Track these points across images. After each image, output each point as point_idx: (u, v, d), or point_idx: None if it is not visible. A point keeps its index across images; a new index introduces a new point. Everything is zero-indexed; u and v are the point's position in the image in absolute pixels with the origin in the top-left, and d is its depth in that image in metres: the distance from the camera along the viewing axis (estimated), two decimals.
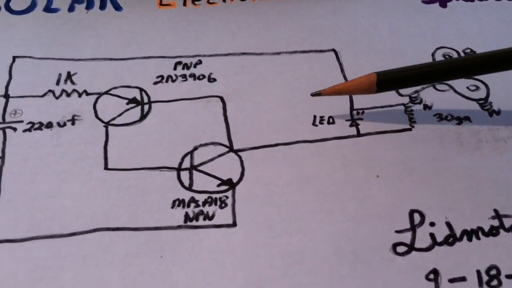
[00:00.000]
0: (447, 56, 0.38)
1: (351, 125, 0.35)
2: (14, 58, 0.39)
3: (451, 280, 0.29)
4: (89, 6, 0.42)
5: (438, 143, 0.34)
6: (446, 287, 0.28)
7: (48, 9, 0.42)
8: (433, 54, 0.38)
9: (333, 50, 0.39)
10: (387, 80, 0.33)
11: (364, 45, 0.39)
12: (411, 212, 0.31)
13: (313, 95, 0.35)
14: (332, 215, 0.31)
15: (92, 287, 0.29)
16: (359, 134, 0.35)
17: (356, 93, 0.34)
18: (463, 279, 0.29)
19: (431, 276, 0.29)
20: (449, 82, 0.36)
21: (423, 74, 0.34)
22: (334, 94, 0.34)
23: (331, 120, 0.35)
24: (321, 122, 0.35)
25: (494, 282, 0.28)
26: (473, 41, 0.39)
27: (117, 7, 0.42)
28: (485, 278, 0.29)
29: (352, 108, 0.36)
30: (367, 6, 0.42)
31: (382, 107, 0.36)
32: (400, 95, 0.36)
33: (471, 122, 0.35)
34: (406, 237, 0.30)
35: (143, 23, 0.41)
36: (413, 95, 0.36)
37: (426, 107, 0.36)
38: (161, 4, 0.42)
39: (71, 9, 0.42)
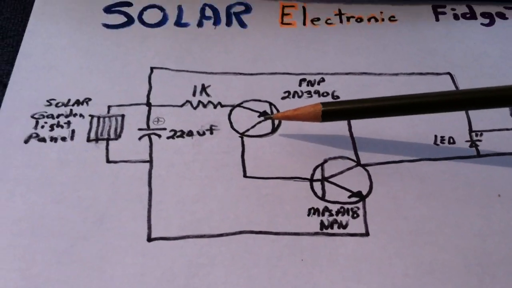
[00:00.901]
0: None
1: (470, 146, 0.38)
2: (152, 69, 0.42)
3: None
4: (216, 22, 0.45)
5: None
6: None
7: (179, 23, 0.45)
8: None
9: (449, 73, 0.42)
10: (331, 111, 0.36)
11: (478, 70, 0.42)
12: None
13: (265, 118, 0.38)
14: (459, 229, 0.34)
15: (241, 285, 0.32)
16: (479, 155, 0.37)
17: (303, 120, 0.37)
18: None
19: None
20: None
21: (365, 109, 0.36)
22: (283, 119, 0.37)
23: (451, 140, 0.38)
24: (442, 142, 0.38)
25: None
26: None
27: (242, 25, 0.45)
28: None
29: (470, 129, 0.38)
30: (477, 32, 0.44)
31: (499, 130, 0.38)
32: None
33: None
34: None
35: (267, 41, 0.44)
36: None
37: None
38: (282, 23, 0.45)
39: (199, 24, 0.45)
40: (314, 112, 0.36)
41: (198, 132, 0.39)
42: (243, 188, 0.36)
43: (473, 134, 0.38)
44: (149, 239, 0.34)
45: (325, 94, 0.41)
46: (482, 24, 0.45)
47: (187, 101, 0.40)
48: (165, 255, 0.33)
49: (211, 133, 0.39)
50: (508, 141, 0.38)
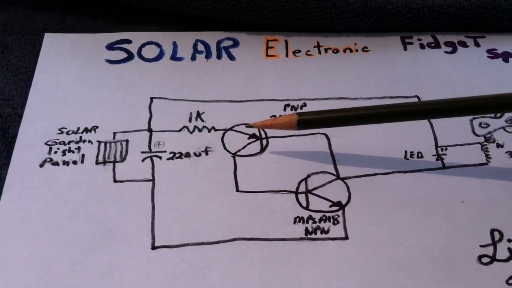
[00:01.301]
0: None
1: (437, 159, 0.43)
2: (152, 98, 0.47)
3: None
4: (208, 56, 0.50)
5: (511, 175, 0.41)
6: None
7: (174, 57, 0.50)
8: None
9: (416, 96, 0.47)
10: (305, 120, 0.41)
11: (441, 92, 0.47)
12: (492, 231, 0.38)
13: (247, 127, 0.43)
14: (427, 231, 0.38)
15: (236, 285, 0.36)
16: (444, 167, 0.42)
17: (281, 129, 0.41)
18: None
19: (510, 281, 0.36)
20: None
21: (336, 118, 0.41)
22: (263, 127, 0.43)
23: (419, 155, 0.43)
24: (411, 156, 0.43)
25: None
26: None
27: (231, 57, 0.50)
28: None
29: (436, 145, 0.43)
30: (440, 59, 0.49)
31: (462, 145, 0.43)
32: (476, 135, 0.44)
33: None
34: (489, 251, 0.37)
35: (254, 71, 0.49)
36: (487, 136, 0.43)
37: (499, 145, 0.43)
38: (267, 55, 0.50)
39: (193, 58, 0.50)
40: (290, 121, 0.40)
41: (195, 154, 0.43)
42: (236, 201, 0.40)
43: (439, 148, 0.43)
44: (153, 247, 0.38)
45: None
46: (445, 52, 0.50)
47: (184, 126, 0.45)
48: (167, 261, 0.37)
49: (207, 154, 0.43)
50: (470, 154, 0.43)
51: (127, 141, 0.44)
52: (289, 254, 0.38)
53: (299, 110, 0.45)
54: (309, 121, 0.41)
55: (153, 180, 0.41)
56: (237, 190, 0.41)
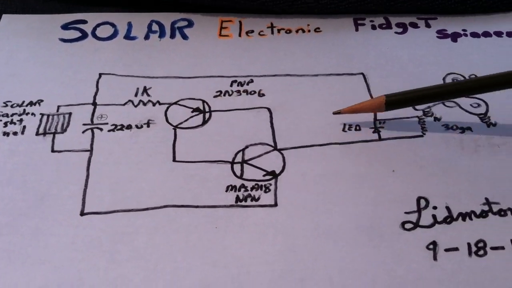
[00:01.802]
0: (455, 80, 0.46)
1: (374, 132, 0.43)
2: (100, 74, 0.48)
3: (446, 250, 0.36)
4: (162, 35, 0.51)
5: (444, 147, 0.41)
6: (442, 255, 0.35)
7: (128, 37, 0.51)
8: (444, 78, 0.46)
9: (362, 73, 0.47)
10: (394, 101, 0.41)
11: (388, 70, 0.47)
12: (419, 198, 0.38)
13: (334, 113, 0.43)
14: (355, 199, 0.38)
15: (161, 249, 0.36)
16: (380, 139, 0.42)
17: (370, 112, 0.42)
18: (456, 249, 0.36)
19: (431, 246, 0.36)
20: (456, 100, 0.44)
21: (421, 96, 0.42)
22: (351, 112, 0.43)
23: (357, 128, 0.43)
24: (349, 129, 0.43)
25: (481, 252, 0.35)
26: (478, 68, 0.47)
27: (184, 37, 0.51)
28: (474, 248, 0.36)
29: (375, 118, 0.44)
30: (390, 39, 0.50)
31: (400, 118, 0.43)
32: (415, 109, 0.44)
33: (472, 132, 0.42)
34: (413, 217, 0.37)
35: (206, 50, 0.50)
36: (426, 110, 0.44)
37: (436, 119, 0.43)
38: (220, 35, 0.51)
39: (146, 37, 0.51)
40: (378, 103, 0.42)
41: (136, 126, 0.44)
42: (171, 170, 0.41)
43: (377, 122, 0.43)
44: (82, 213, 0.38)
45: (252, 92, 0.46)
46: (396, 32, 0.51)
47: (129, 100, 0.46)
48: (94, 227, 0.37)
49: (148, 126, 0.44)
50: (407, 127, 0.43)
51: (70, 114, 0.44)
52: (217, 220, 0.38)
53: (250, 97, 0.46)
54: (397, 101, 0.42)
55: (91, 150, 0.42)
56: (174, 160, 0.41)
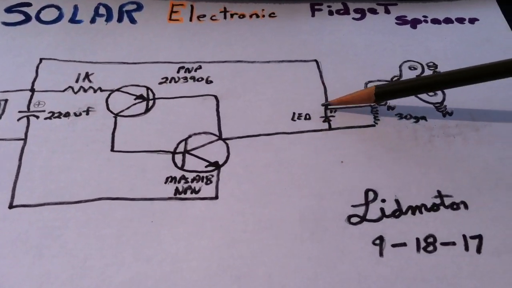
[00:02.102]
0: (412, 68, 0.44)
1: (324, 121, 0.41)
2: (41, 59, 0.45)
3: (394, 245, 0.34)
4: (108, 19, 0.49)
5: (397, 136, 0.39)
6: (388, 250, 0.33)
7: (73, 20, 0.48)
8: (400, 66, 0.44)
9: (315, 60, 0.45)
10: (384, 92, 0.40)
11: (342, 57, 0.45)
12: (367, 191, 0.36)
13: (323, 105, 0.41)
14: (300, 191, 0.36)
15: (91, 245, 0.34)
16: (330, 128, 0.40)
17: (359, 103, 0.40)
18: (404, 244, 0.34)
19: (377, 241, 0.34)
20: None
21: (412, 87, 0.40)
22: (340, 104, 0.41)
23: (307, 117, 0.41)
24: (299, 118, 0.41)
25: (430, 248, 0.33)
26: (437, 56, 0.45)
27: (132, 21, 0.48)
28: (423, 244, 0.34)
29: (326, 107, 0.41)
30: (347, 25, 0.48)
31: (352, 107, 0.41)
32: None
33: (426, 121, 0.40)
34: (360, 211, 0.35)
35: (154, 35, 0.47)
36: None
37: (390, 108, 0.41)
38: (170, 19, 0.49)
39: (92, 21, 0.48)
40: (368, 94, 0.40)
41: (75, 113, 0.41)
42: (109, 160, 0.38)
43: (328, 111, 0.41)
44: (11, 206, 0.36)
45: (199, 79, 0.44)
46: (353, 18, 0.49)
47: (70, 86, 0.43)
48: (23, 220, 0.35)
49: (87, 114, 0.41)
50: (359, 116, 0.41)
51: (6, 100, 0.42)
52: (153, 213, 0.36)
53: (197, 84, 0.44)
54: (387, 92, 0.40)
55: (25, 139, 0.40)
56: (112, 150, 0.39)
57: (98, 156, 0.39)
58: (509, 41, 0.46)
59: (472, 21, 0.48)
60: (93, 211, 0.36)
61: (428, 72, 0.43)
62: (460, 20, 0.48)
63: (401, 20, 0.48)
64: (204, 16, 0.49)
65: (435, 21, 0.48)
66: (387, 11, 0.49)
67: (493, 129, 0.39)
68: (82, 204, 0.36)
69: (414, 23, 0.48)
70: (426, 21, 0.48)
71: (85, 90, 0.43)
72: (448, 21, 0.48)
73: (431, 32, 0.47)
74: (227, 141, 0.40)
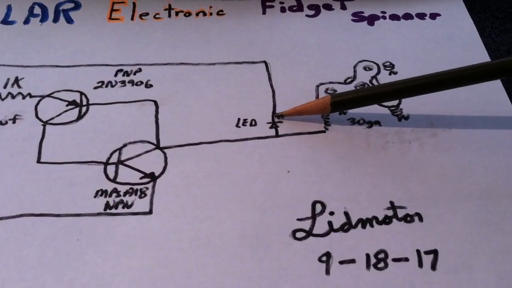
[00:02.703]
0: (367, 68, 0.40)
1: (271, 127, 0.37)
2: None
3: (341, 262, 0.31)
4: (43, 19, 0.45)
5: (348, 143, 0.36)
6: (336, 268, 0.30)
7: (6, 21, 0.45)
8: (355, 67, 0.41)
9: (264, 61, 0.42)
10: (340, 102, 0.36)
11: (293, 58, 0.42)
12: (314, 203, 0.33)
13: (276, 116, 0.38)
14: (242, 204, 0.33)
15: (10, 265, 0.31)
16: (277, 135, 0.37)
17: (314, 113, 0.37)
18: (352, 261, 0.31)
19: (324, 258, 0.31)
20: None
21: (370, 96, 0.37)
22: (294, 114, 0.38)
23: (253, 123, 0.38)
24: (244, 124, 0.38)
25: (381, 265, 0.30)
26: (394, 55, 0.42)
27: (69, 20, 0.45)
28: (373, 260, 0.31)
29: (274, 112, 0.38)
30: (300, 23, 0.45)
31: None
32: None
33: (380, 126, 0.37)
34: (306, 225, 0.32)
35: (92, 35, 0.44)
36: None
37: (342, 112, 0.38)
38: (110, 18, 0.45)
39: (26, 22, 0.45)
40: (323, 104, 0.37)
41: (0, 122, 0.38)
42: (34, 173, 0.35)
43: (275, 117, 0.38)
44: None
45: (138, 83, 0.40)
46: (307, 15, 0.46)
47: None
48: None
49: (14, 122, 0.38)
50: (307, 121, 0.38)
51: None
52: (79, 231, 0.32)
53: (136, 88, 0.40)
54: (344, 102, 0.37)
55: None
56: (38, 161, 0.36)
57: (23, 169, 0.35)
58: (473, 39, 0.43)
59: (434, 16, 0.45)
60: (14, 229, 0.32)
61: (384, 72, 0.40)
62: (421, 16, 0.46)
63: (358, 17, 0.45)
64: (147, 14, 0.46)
65: (394, 17, 0.45)
66: (343, 7, 0.46)
67: (452, 134, 0.37)
68: (2, 222, 0.33)
69: (372, 19, 0.45)
70: (384, 17, 0.45)
71: (13, 97, 0.39)
72: (407, 16, 0.45)
73: (389, 29, 0.44)
74: (165, 150, 0.36)
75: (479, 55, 0.42)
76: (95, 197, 0.34)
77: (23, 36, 0.44)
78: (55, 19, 0.45)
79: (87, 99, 0.39)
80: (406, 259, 0.31)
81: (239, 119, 0.38)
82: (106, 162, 0.36)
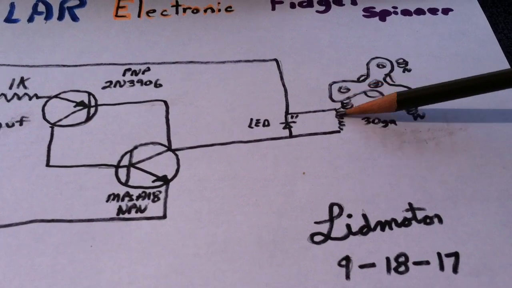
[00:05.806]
0: (380, 66, 0.40)
1: (284, 128, 0.37)
2: None
3: (361, 266, 0.30)
4: (48, 17, 0.44)
5: (364, 143, 0.35)
6: (356, 272, 0.30)
7: (9, 20, 0.44)
8: (367, 64, 0.40)
9: (275, 59, 0.41)
10: (406, 99, 0.36)
11: (304, 55, 0.41)
12: (331, 205, 0.32)
13: (338, 114, 0.37)
14: (258, 208, 0.32)
15: (22, 274, 0.30)
16: (291, 136, 0.36)
17: (379, 112, 0.36)
18: (372, 265, 0.30)
19: (343, 262, 0.30)
20: (379, 89, 0.38)
21: (437, 94, 0.36)
22: (359, 112, 0.37)
23: (266, 123, 0.37)
24: (256, 125, 0.37)
25: (402, 268, 0.30)
26: (407, 51, 0.41)
27: (74, 18, 0.44)
28: (393, 264, 0.30)
29: (287, 112, 0.37)
30: (311, 19, 0.44)
31: (315, 111, 0.37)
32: (333, 101, 0.38)
33: (396, 125, 0.36)
34: (324, 228, 0.32)
35: (98, 33, 0.43)
36: (345, 101, 0.38)
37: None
38: (116, 16, 0.44)
39: (30, 20, 0.44)
40: (389, 101, 0.36)
41: (7, 124, 0.37)
42: (43, 177, 0.34)
43: (289, 116, 0.37)
44: None
45: (148, 83, 0.40)
46: (317, 11, 0.45)
47: (2, 94, 0.39)
48: None
49: (21, 124, 0.37)
50: (322, 121, 0.37)
51: None
52: (93, 237, 0.32)
53: (145, 88, 0.39)
54: (411, 99, 0.36)
55: None
56: (48, 165, 0.35)
57: (31, 173, 0.34)
58: (487, 34, 0.42)
59: (446, 11, 0.45)
60: (25, 235, 0.32)
61: (398, 69, 0.40)
62: (433, 11, 0.45)
63: (369, 12, 0.44)
64: (154, 11, 0.45)
65: (406, 12, 0.45)
66: (354, 3, 0.45)
67: (469, 133, 0.36)
68: (13, 228, 0.32)
69: (383, 15, 0.44)
70: (396, 13, 0.45)
71: (19, 98, 0.39)
72: (419, 12, 0.45)
73: (401, 24, 0.44)
74: (177, 152, 0.36)
75: (493, 51, 0.41)
76: (107, 201, 0.33)
77: (27, 34, 0.43)
78: (60, 17, 0.44)
79: (96, 100, 0.39)
80: (427, 262, 0.30)
81: (251, 119, 0.37)
82: (117, 165, 0.35)
